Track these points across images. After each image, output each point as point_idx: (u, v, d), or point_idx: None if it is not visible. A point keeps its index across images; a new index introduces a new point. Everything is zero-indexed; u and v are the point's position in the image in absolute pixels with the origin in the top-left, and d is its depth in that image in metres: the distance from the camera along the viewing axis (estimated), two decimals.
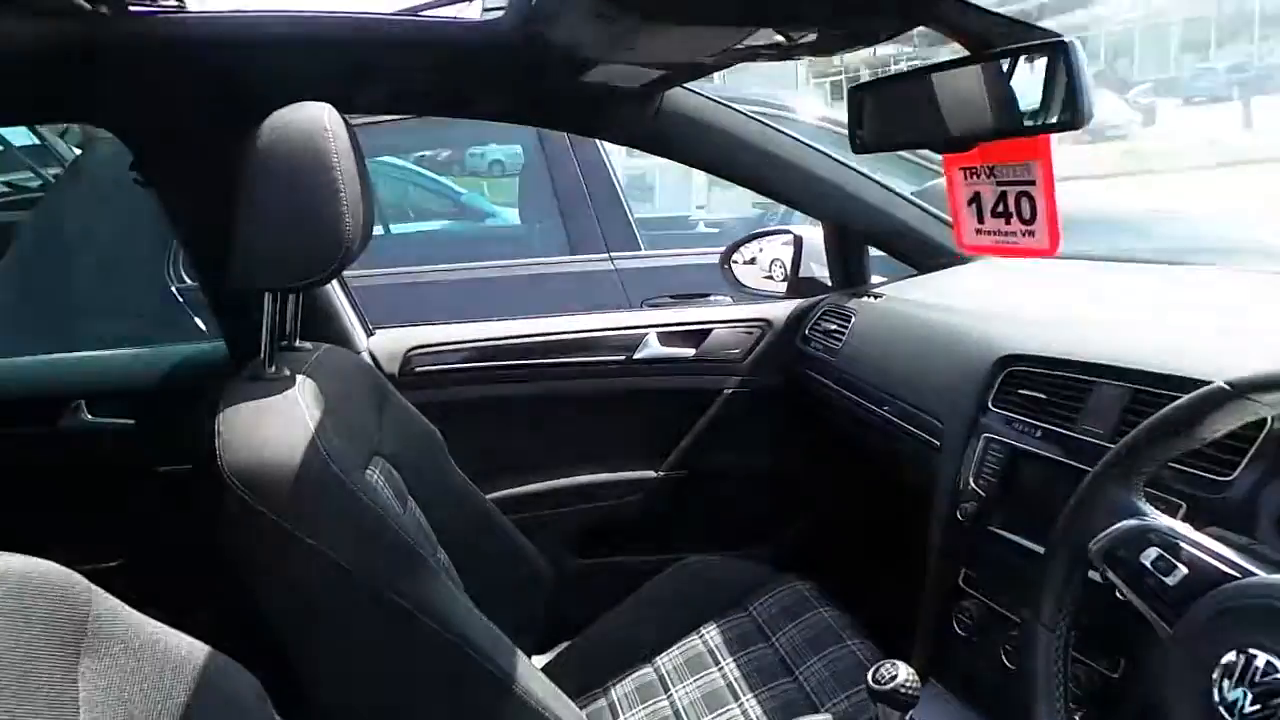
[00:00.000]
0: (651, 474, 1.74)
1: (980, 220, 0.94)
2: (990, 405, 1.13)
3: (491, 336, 1.69)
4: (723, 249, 1.94)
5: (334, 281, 1.52)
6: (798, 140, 1.58)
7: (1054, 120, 0.80)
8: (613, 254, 2.44)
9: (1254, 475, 0.76)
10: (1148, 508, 0.71)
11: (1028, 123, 0.83)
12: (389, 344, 1.65)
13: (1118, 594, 0.71)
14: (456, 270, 2.48)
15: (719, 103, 1.54)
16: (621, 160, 3.82)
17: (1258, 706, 0.56)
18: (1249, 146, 12.91)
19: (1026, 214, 0.88)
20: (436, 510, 1.23)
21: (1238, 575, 0.63)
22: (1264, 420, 0.70)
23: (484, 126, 2.89)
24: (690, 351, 1.72)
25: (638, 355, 1.70)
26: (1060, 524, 0.76)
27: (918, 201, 1.66)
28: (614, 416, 1.74)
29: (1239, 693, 0.57)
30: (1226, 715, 0.58)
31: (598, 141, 2.49)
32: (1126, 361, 0.97)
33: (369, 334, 1.65)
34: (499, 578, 1.29)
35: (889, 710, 0.91)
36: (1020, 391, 1.09)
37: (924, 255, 1.67)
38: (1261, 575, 0.62)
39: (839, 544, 1.77)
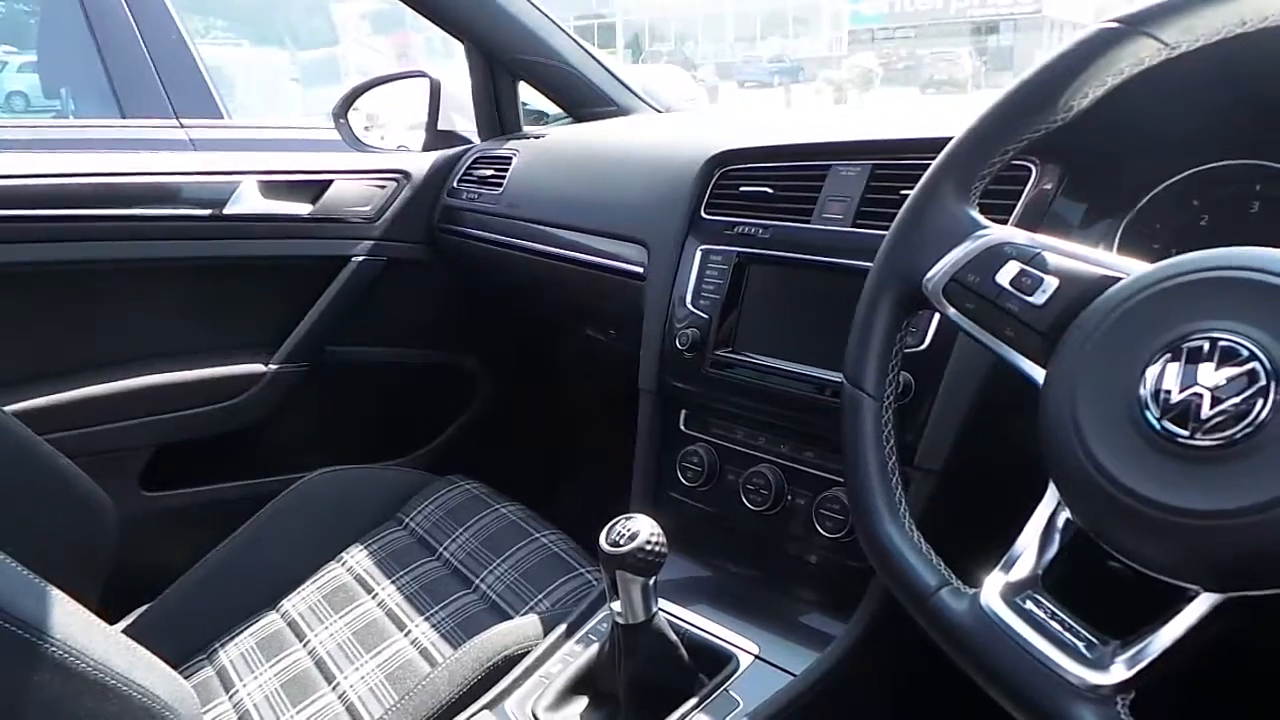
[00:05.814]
0: (260, 368, 1.31)
1: None
2: (704, 213, 0.94)
3: None
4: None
5: None
6: None
7: None
8: (184, 121, 1.88)
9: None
10: (989, 221, 0.54)
11: None
12: None
13: (966, 333, 0.53)
14: None
15: None
16: None
17: (1221, 409, 0.40)
18: None
19: None
20: None
21: (1120, 275, 0.48)
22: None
23: None
24: (305, 208, 1.31)
25: (229, 210, 1.26)
26: (881, 263, 0.56)
27: (582, 42, 1.43)
28: (200, 293, 1.29)
29: (1181, 399, 0.41)
30: (1168, 443, 0.41)
31: None
32: (862, 136, 0.84)
33: None
34: (33, 519, 0.91)
35: (630, 578, 0.68)
36: (742, 189, 0.92)
37: (586, 101, 1.44)
38: (1154, 264, 0.47)
39: (514, 436, 1.51)
